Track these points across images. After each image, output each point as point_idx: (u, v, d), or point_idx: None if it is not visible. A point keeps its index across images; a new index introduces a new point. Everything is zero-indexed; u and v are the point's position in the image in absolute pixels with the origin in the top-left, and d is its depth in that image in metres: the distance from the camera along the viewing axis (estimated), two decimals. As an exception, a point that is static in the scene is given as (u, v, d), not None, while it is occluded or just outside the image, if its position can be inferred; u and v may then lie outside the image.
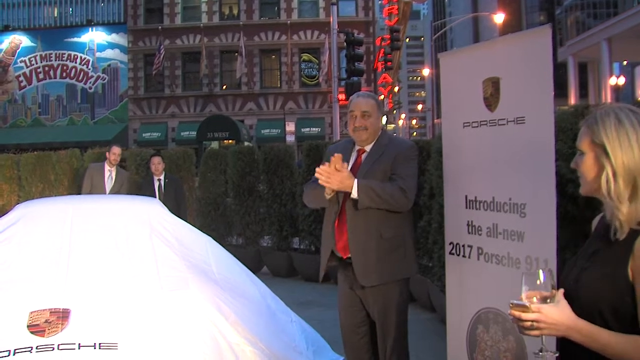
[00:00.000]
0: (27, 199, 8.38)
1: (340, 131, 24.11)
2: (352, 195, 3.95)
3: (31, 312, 4.10)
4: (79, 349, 3.89)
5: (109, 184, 9.14)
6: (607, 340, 1.98)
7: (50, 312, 4.11)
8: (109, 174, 9.19)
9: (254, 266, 9.79)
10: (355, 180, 3.93)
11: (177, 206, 8.72)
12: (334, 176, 3.88)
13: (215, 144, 29.56)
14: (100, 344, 3.95)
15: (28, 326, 4.01)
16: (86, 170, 9.34)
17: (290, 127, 30.91)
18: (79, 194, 9.15)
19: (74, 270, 4.76)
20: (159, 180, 9.40)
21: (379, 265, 4.13)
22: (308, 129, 35.09)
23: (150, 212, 5.78)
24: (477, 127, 3.97)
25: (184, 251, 5.39)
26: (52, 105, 38.51)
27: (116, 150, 9.28)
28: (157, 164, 9.40)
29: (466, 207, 4.08)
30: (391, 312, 4.21)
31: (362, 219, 4.09)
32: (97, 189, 8.96)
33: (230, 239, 10.76)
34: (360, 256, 4.16)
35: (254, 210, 10.76)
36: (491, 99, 3.85)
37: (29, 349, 3.85)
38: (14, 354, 3.82)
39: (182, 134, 35.85)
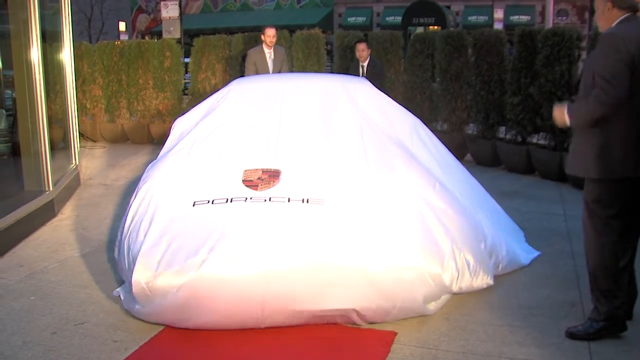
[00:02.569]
0: (237, 77, 8.77)
1: (554, 20, 22.57)
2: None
3: (245, 170, 4.56)
4: (288, 202, 4.34)
5: (270, 63, 9.41)
6: None
7: (263, 171, 4.57)
8: (269, 55, 9.42)
9: (458, 153, 9.61)
10: (566, 108, 4.04)
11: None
12: (556, 118, 4.14)
13: (420, 30, 28.98)
14: (307, 199, 4.35)
15: (243, 181, 4.48)
16: (247, 56, 9.54)
17: (499, 14, 29.58)
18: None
19: (284, 137, 5.02)
20: (363, 66, 9.44)
21: (571, 156, 4.18)
22: (517, 17, 33.31)
23: (358, 90, 5.84)
24: None
25: (390, 130, 5.43)
26: (260, -11, 39.44)
27: (270, 31, 9.38)
28: (361, 50, 9.41)
29: None
30: (583, 211, 4.14)
31: None
32: (262, 70, 9.29)
33: (435, 124, 10.63)
34: (572, 144, 4.22)
35: (461, 96, 10.51)
36: None
37: (244, 198, 4.38)
38: (230, 202, 4.36)
39: (387, 18, 35.47)
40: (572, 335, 4.13)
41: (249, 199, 4.34)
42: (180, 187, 4.62)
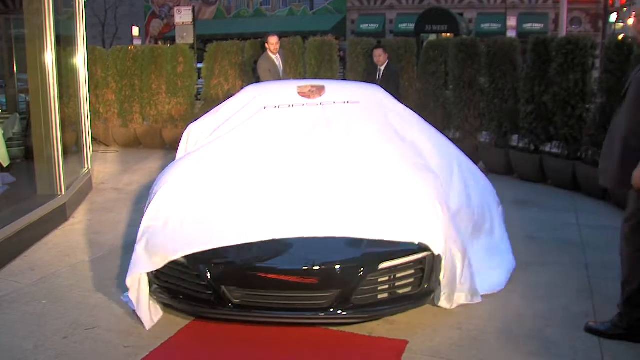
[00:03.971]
0: (250, 83, 8.85)
1: (567, 29, 22.44)
2: None
3: (298, 86, 6.17)
4: (334, 103, 5.93)
5: (280, 68, 10.01)
6: None
7: (311, 86, 6.17)
8: (276, 60, 9.97)
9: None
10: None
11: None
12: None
13: (433, 37, 28.98)
14: (348, 101, 5.99)
15: (298, 93, 6.04)
16: (259, 66, 9.98)
17: (512, 22, 29.60)
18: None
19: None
20: (380, 70, 9.94)
21: (618, 170, 4.08)
22: (530, 25, 33.33)
23: (371, 95, 6.29)
24: None
25: (403, 129, 5.90)
26: (273, -5, 39.65)
27: (272, 39, 9.90)
28: (378, 55, 9.99)
29: None
30: (624, 222, 4.18)
31: (614, 126, 4.15)
32: (275, 74, 9.83)
33: (447, 132, 10.59)
34: (605, 159, 4.22)
35: (474, 104, 10.49)
36: None
37: (302, 104, 5.94)
38: (292, 107, 5.89)
39: (400, 25, 35.55)
40: (589, 329, 4.25)
41: (305, 104, 5.91)
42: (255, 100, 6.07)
